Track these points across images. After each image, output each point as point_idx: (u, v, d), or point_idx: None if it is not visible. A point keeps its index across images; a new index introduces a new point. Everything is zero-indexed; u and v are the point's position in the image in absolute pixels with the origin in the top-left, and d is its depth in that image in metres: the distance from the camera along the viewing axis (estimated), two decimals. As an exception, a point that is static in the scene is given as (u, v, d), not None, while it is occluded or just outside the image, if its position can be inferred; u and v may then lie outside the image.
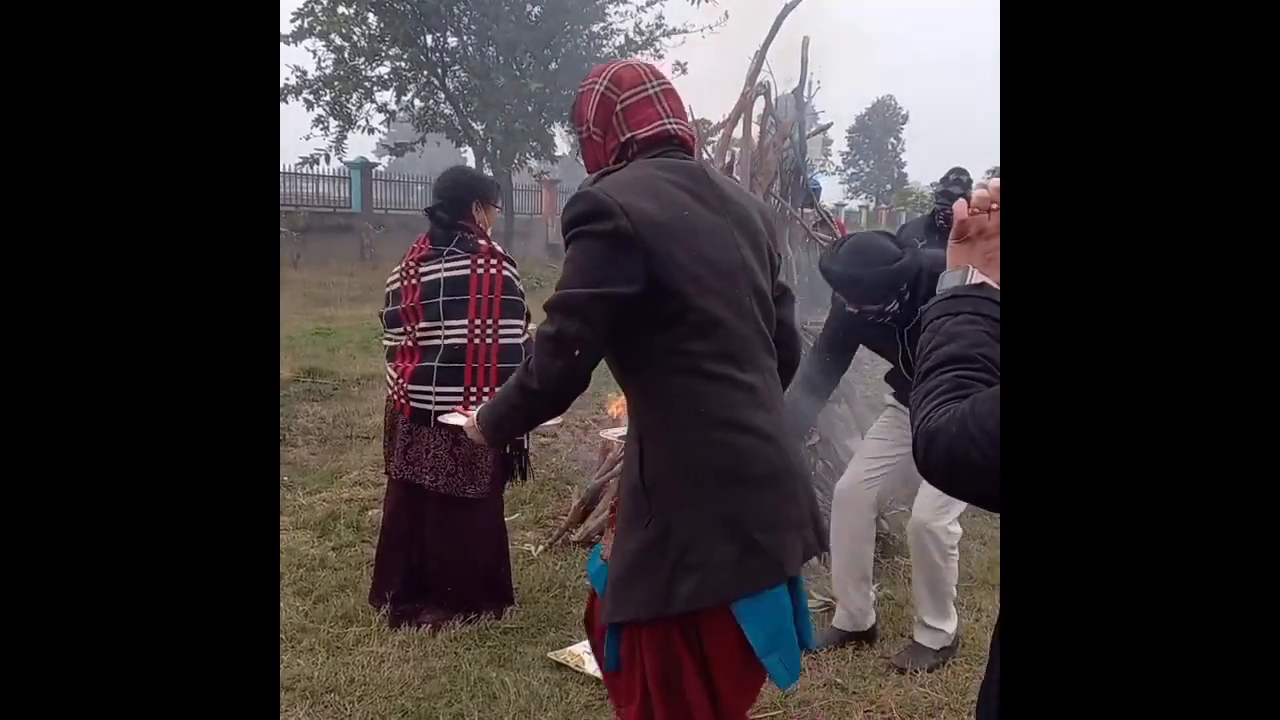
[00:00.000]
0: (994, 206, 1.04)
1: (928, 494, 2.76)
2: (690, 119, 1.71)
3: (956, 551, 2.79)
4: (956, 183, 4.78)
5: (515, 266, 3.08)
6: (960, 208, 1.08)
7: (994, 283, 1.05)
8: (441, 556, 3.05)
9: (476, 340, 2.93)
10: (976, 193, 1.06)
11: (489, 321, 2.96)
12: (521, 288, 3.07)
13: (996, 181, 1.00)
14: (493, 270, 2.97)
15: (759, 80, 3.91)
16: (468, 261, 2.95)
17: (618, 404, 4.91)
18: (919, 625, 2.88)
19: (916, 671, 2.80)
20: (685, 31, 15.81)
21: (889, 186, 44.60)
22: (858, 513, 2.91)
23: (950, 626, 2.84)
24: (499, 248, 3.09)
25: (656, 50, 16.09)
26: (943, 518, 2.73)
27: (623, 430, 1.90)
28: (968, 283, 1.06)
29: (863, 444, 3.11)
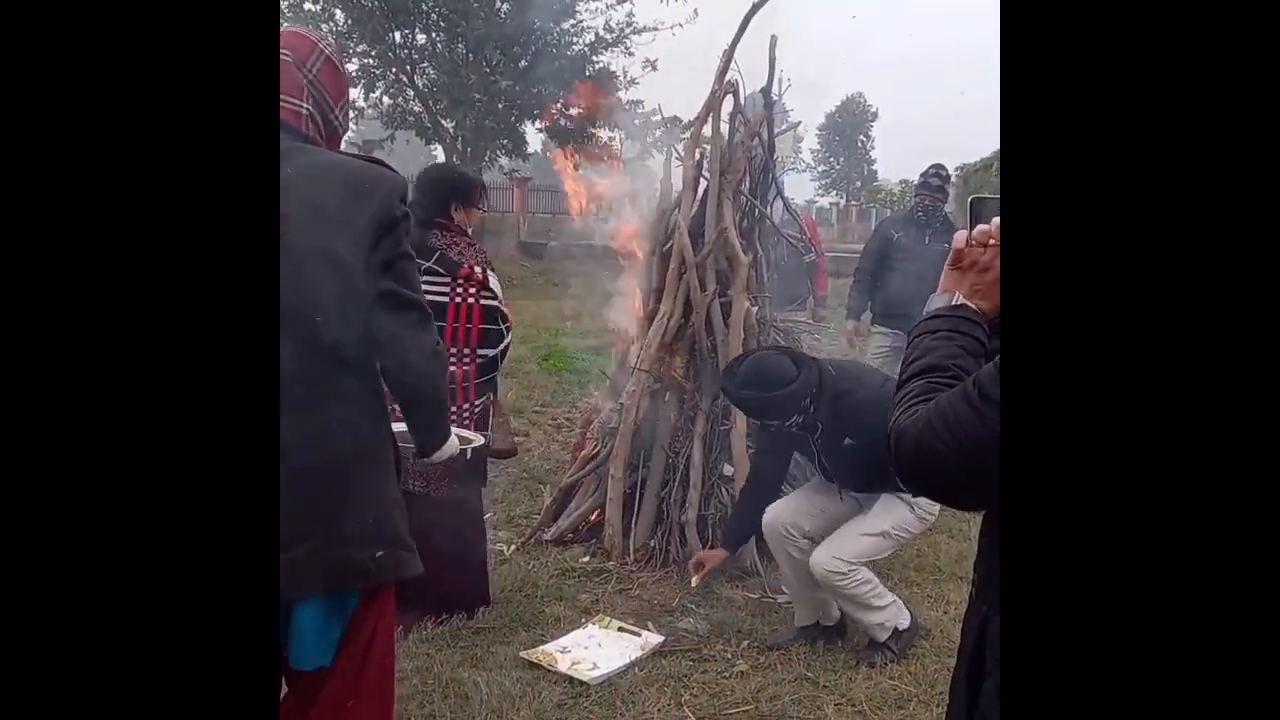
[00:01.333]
0: (991, 242, 1.09)
1: (830, 550, 2.81)
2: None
3: (855, 571, 2.81)
4: (936, 176, 4.88)
5: (495, 284, 3.03)
6: (960, 238, 1.12)
7: (975, 308, 1.11)
8: (438, 557, 3.05)
9: (453, 366, 2.91)
10: (979, 228, 1.11)
11: (465, 350, 2.97)
12: (503, 308, 3.03)
13: (998, 220, 1.07)
14: (470, 300, 2.94)
15: (728, 78, 3.92)
16: (447, 287, 2.91)
17: (586, 406, 4.91)
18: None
19: (886, 664, 2.84)
20: (655, 29, 15.82)
21: (859, 183, 45.00)
22: (773, 540, 3.00)
23: (882, 617, 2.86)
24: (482, 251, 3.06)
25: (627, 48, 16.10)
26: (835, 565, 2.78)
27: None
28: (951, 304, 1.12)
29: (797, 491, 3.18)
